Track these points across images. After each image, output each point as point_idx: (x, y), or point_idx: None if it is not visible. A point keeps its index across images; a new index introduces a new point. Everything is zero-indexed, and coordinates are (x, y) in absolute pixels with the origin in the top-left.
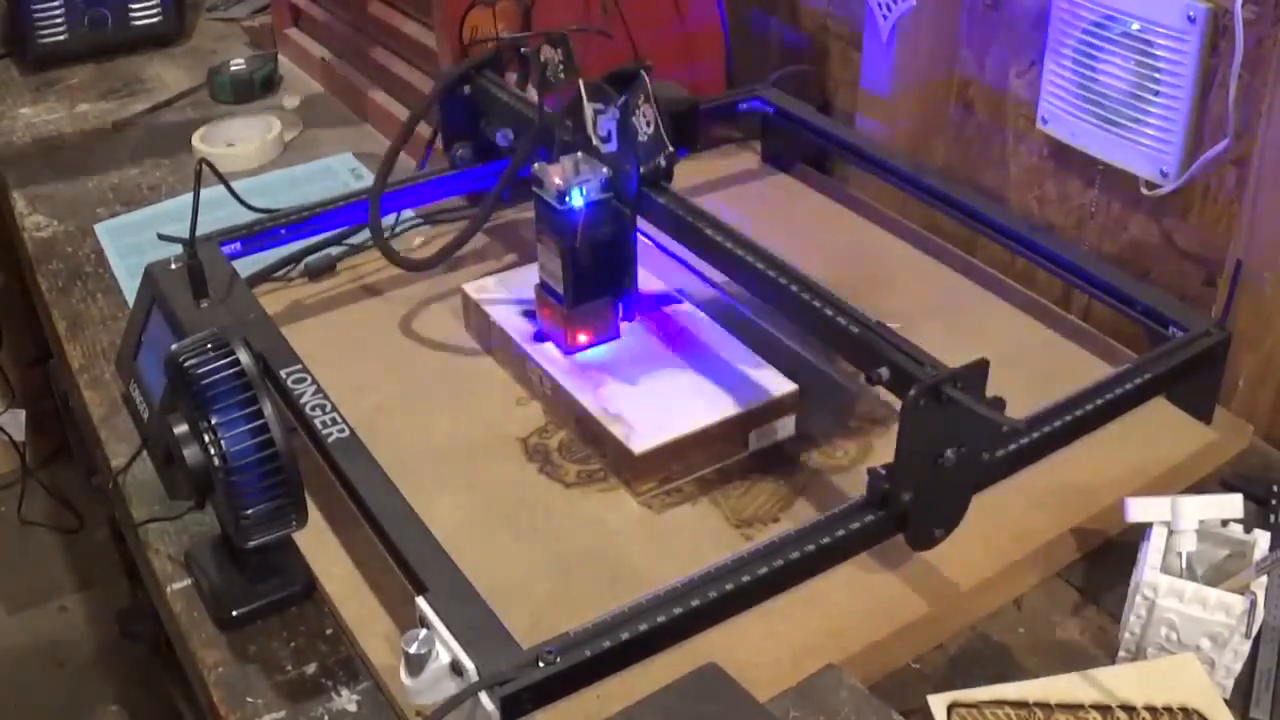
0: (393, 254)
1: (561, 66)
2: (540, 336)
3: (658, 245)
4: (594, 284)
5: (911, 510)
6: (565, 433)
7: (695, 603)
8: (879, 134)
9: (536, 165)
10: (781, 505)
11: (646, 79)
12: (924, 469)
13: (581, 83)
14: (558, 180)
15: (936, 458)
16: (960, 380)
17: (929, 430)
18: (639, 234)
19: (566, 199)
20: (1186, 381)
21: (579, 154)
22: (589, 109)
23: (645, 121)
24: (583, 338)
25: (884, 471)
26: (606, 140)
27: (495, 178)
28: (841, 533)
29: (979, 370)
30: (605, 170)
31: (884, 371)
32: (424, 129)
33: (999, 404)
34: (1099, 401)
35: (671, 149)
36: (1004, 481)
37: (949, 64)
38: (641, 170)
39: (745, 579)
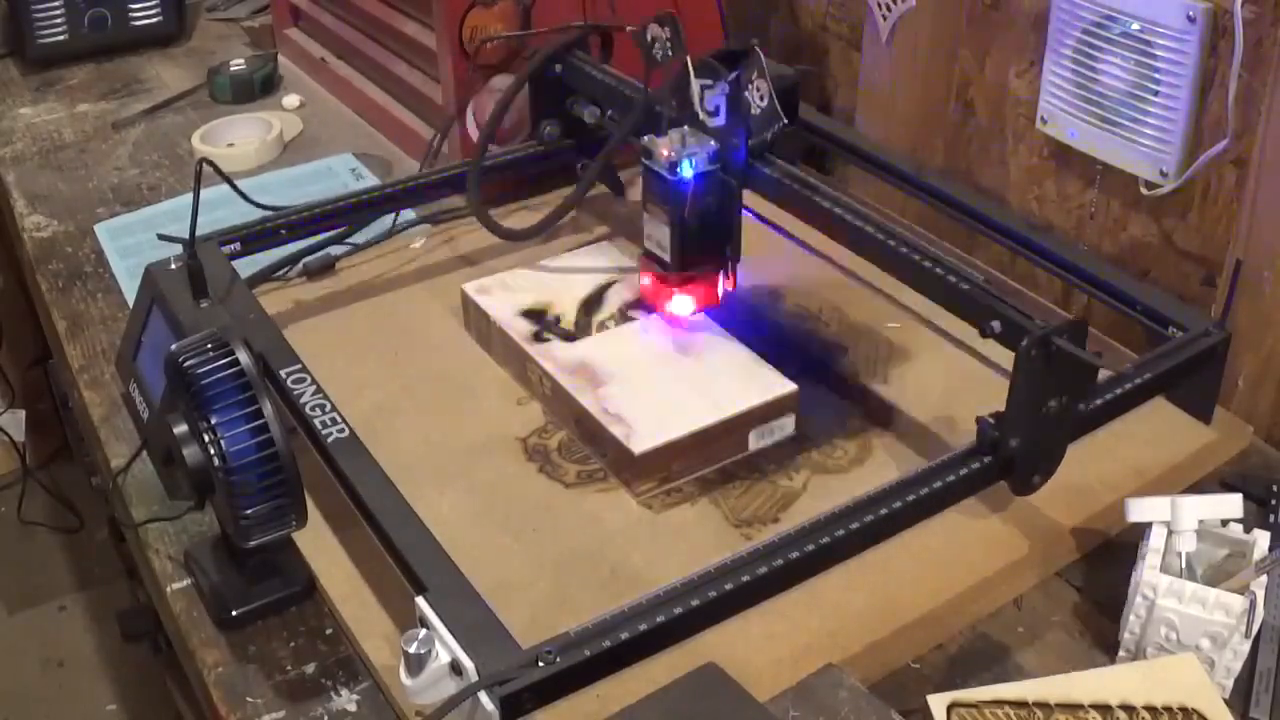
0: (493, 224)
1: (669, 45)
2: (539, 337)
3: (757, 217)
4: (699, 253)
5: (1017, 457)
6: (565, 433)
7: (695, 603)
8: (879, 134)
9: (646, 138)
10: (781, 505)
11: (761, 55)
12: (1030, 418)
13: (689, 60)
14: (667, 152)
15: (1041, 407)
16: (1067, 333)
17: (1036, 380)
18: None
19: (677, 170)
20: (1186, 381)
21: (685, 128)
22: (696, 85)
23: (759, 95)
24: (687, 305)
25: (993, 420)
26: (714, 115)
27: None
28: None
29: (1081, 326)
30: (713, 143)
31: (996, 325)
32: (425, 130)
33: (1098, 357)
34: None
35: (785, 121)
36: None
37: (949, 64)
38: (750, 143)
39: (745, 579)
